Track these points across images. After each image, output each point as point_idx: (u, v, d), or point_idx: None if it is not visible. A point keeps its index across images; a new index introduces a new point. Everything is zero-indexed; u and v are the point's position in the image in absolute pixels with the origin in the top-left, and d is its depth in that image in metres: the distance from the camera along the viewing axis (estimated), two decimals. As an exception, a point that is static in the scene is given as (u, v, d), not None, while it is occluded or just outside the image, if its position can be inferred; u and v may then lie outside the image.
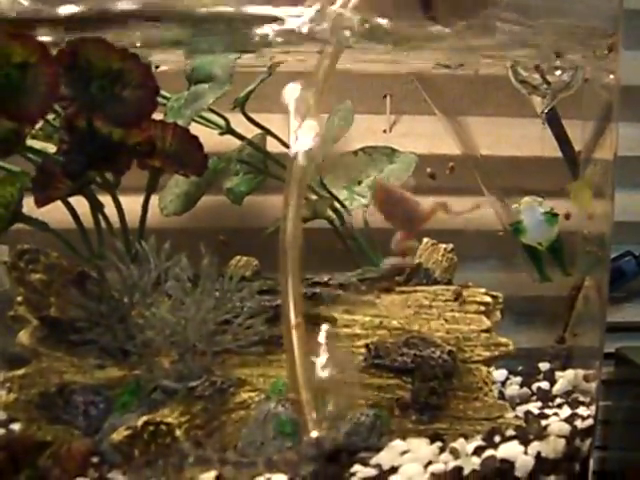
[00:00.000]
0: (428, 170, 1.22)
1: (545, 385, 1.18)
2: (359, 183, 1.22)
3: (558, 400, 1.13)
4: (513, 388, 1.19)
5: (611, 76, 1.07)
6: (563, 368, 1.21)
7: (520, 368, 1.24)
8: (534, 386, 1.18)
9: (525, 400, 1.14)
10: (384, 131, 1.30)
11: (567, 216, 1.19)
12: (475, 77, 1.25)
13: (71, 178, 0.97)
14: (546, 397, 1.15)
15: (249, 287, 0.99)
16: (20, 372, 1.01)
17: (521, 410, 1.09)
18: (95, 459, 0.93)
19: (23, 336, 1.02)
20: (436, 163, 1.23)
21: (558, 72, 1.16)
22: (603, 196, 1.10)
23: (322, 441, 0.87)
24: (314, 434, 0.87)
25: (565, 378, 1.17)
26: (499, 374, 1.20)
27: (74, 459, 0.90)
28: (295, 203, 0.92)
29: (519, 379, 1.21)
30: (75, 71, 0.90)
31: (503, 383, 1.20)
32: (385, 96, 1.29)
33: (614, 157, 1.08)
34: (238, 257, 1.12)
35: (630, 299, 1.47)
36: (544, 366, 1.24)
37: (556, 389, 1.16)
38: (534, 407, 1.10)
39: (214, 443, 0.92)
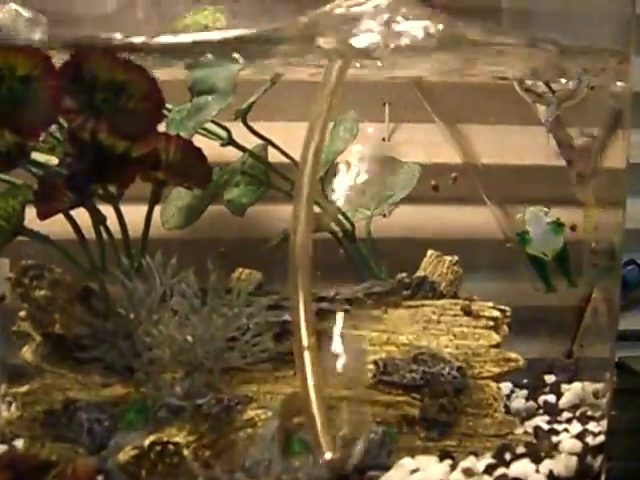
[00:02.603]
0: (433, 182, 1.21)
1: (551, 398, 1.17)
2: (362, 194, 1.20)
3: (566, 414, 1.12)
4: (519, 401, 1.17)
5: (619, 83, 1.07)
6: (570, 381, 1.20)
7: (525, 381, 1.22)
8: (540, 399, 1.17)
9: (532, 414, 1.13)
10: (383, 139, 1.29)
11: (573, 227, 1.18)
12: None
13: (74, 191, 0.95)
14: (553, 411, 1.13)
15: (257, 303, 0.98)
16: (24, 389, 1.00)
17: (529, 424, 1.07)
18: (100, 478, 0.92)
19: (27, 352, 1.01)
20: (438, 172, 1.23)
21: (563, 80, 1.15)
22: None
23: (337, 462, 0.86)
24: (328, 455, 0.86)
25: (572, 391, 1.16)
26: (503, 387, 1.18)
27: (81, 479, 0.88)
28: (305, 216, 0.91)
29: (524, 392, 1.20)
30: (79, 83, 0.89)
31: (508, 396, 1.18)
32: (384, 104, 1.28)
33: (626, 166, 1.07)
34: (240, 270, 1.10)
35: (632, 308, 1.46)
36: (549, 379, 1.24)
37: (563, 402, 1.15)
38: (542, 421, 1.09)
39: (222, 463, 0.91)
